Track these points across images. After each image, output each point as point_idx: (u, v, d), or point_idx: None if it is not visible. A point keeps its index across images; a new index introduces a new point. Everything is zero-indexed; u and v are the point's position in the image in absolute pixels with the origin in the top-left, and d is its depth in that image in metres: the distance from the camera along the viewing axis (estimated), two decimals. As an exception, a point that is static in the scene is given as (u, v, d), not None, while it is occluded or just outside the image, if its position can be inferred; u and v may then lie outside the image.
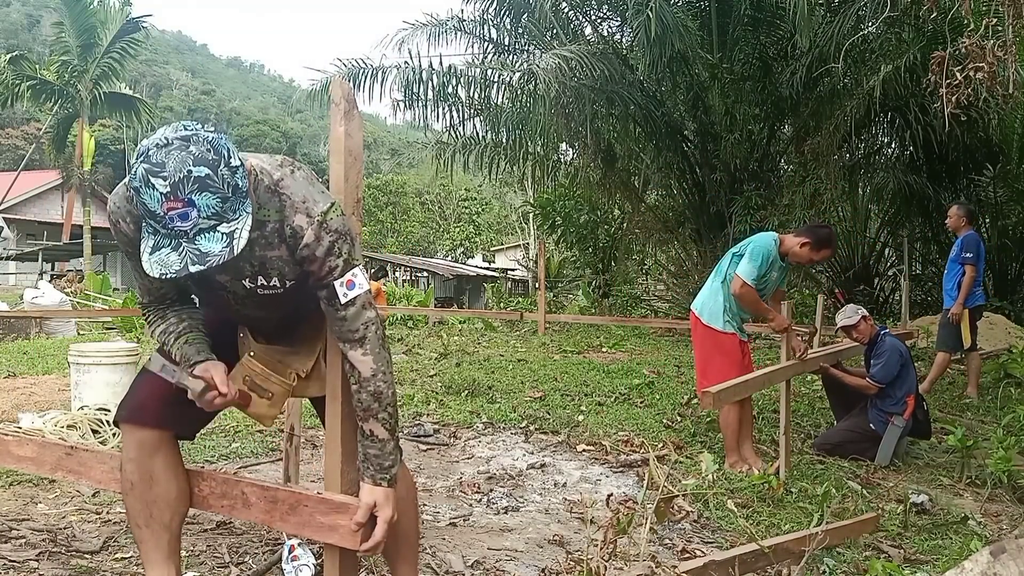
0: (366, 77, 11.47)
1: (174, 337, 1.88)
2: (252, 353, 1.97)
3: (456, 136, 12.94)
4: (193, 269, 1.51)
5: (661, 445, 4.54)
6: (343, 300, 1.74)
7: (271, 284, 1.80)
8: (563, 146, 13.44)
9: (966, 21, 4.85)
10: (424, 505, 3.41)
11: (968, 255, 6.18)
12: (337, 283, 1.73)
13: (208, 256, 1.52)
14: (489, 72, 12.04)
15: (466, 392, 5.94)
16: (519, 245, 37.97)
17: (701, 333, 4.39)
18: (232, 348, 1.99)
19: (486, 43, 12.58)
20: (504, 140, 12.74)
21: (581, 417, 5.26)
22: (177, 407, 1.94)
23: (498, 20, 12.28)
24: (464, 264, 39.31)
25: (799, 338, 4.30)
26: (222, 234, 1.53)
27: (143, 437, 1.92)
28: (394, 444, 1.82)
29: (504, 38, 12.51)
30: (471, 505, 3.50)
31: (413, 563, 2.13)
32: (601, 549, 2.29)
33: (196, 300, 2.00)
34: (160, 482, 1.92)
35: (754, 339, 7.17)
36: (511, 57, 12.57)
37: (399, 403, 5.67)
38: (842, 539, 3.02)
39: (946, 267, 6.61)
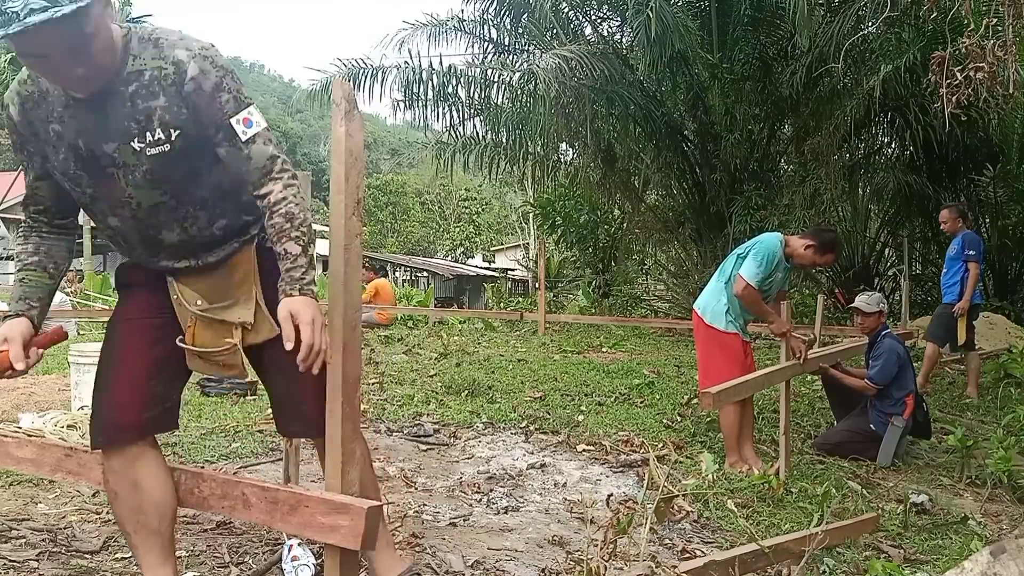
0: (366, 77, 11.48)
1: (20, 267, 1.87)
2: (192, 319, 1.92)
3: (456, 136, 12.94)
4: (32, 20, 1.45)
5: (661, 445, 4.54)
6: (243, 138, 1.74)
7: (157, 138, 1.73)
8: (563, 146, 13.44)
9: (966, 21, 4.84)
10: (424, 505, 3.41)
11: (971, 252, 6.21)
12: (233, 120, 1.73)
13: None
14: (489, 72, 12.04)
15: (466, 392, 5.94)
16: (519, 245, 38.03)
17: (704, 333, 4.39)
18: (169, 311, 1.95)
19: (486, 43, 12.60)
20: (504, 140, 12.73)
21: (581, 417, 5.26)
22: (153, 408, 1.91)
23: (498, 20, 12.29)
24: (464, 264, 39.33)
25: (799, 339, 4.30)
26: (53, 9, 1.49)
27: (124, 450, 1.90)
28: (307, 259, 1.81)
29: (504, 38, 12.52)
30: (471, 505, 3.50)
31: (389, 545, 2.19)
32: (601, 549, 2.30)
33: (91, 219, 1.91)
34: (144, 488, 1.91)
35: (754, 339, 7.18)
36: (511, 57, 12.57)
37: (399, 402, 5.59)
38: (842, 539, 3.01)
39: (944, 265, 6.62)
